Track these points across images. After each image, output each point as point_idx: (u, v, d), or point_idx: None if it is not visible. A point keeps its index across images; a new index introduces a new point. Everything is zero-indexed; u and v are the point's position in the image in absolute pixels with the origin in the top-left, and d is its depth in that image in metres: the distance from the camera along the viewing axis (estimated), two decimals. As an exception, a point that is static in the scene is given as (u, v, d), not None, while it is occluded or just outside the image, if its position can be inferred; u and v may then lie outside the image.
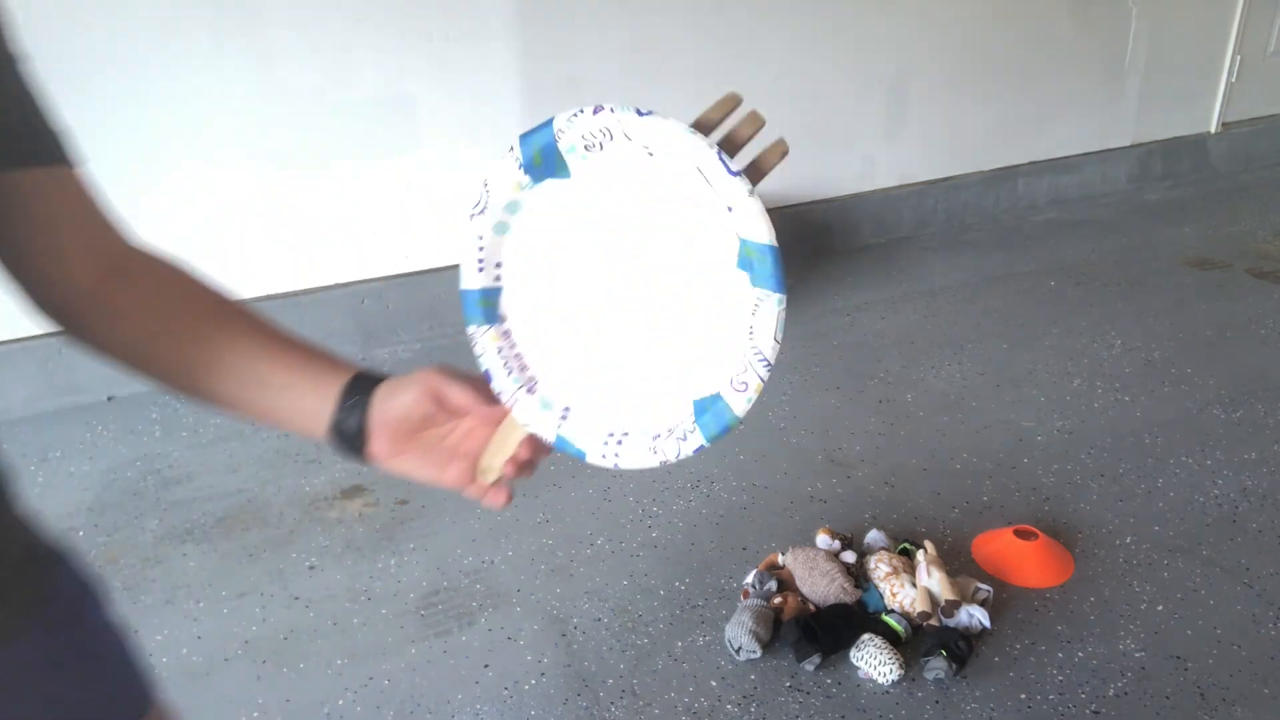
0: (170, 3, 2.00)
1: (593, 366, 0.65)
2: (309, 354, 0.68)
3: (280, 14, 2.09)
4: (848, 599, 1.45)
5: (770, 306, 0.56)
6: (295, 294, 2.33)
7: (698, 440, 0.60)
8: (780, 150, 0.57)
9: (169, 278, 0.66)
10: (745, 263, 0.57)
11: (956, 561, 1.58)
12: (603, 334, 0.64)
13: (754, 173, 0.56)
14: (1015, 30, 2.92)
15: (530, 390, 0.66)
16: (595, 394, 0.65)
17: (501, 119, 2.35)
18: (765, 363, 0.57)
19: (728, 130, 0.57)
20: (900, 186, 2.96)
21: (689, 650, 1.43)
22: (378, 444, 0.66)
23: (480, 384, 0.68)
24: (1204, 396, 2.05)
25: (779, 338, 0.56)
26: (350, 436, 0.66)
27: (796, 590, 1.49)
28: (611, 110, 0.57)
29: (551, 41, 2.33)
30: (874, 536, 1.60)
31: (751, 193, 0.55)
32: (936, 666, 1.34)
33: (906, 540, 1.59)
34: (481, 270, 0.64)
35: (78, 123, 2.25)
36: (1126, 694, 1.32)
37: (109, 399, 2.19)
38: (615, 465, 0.63)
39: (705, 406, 0.61)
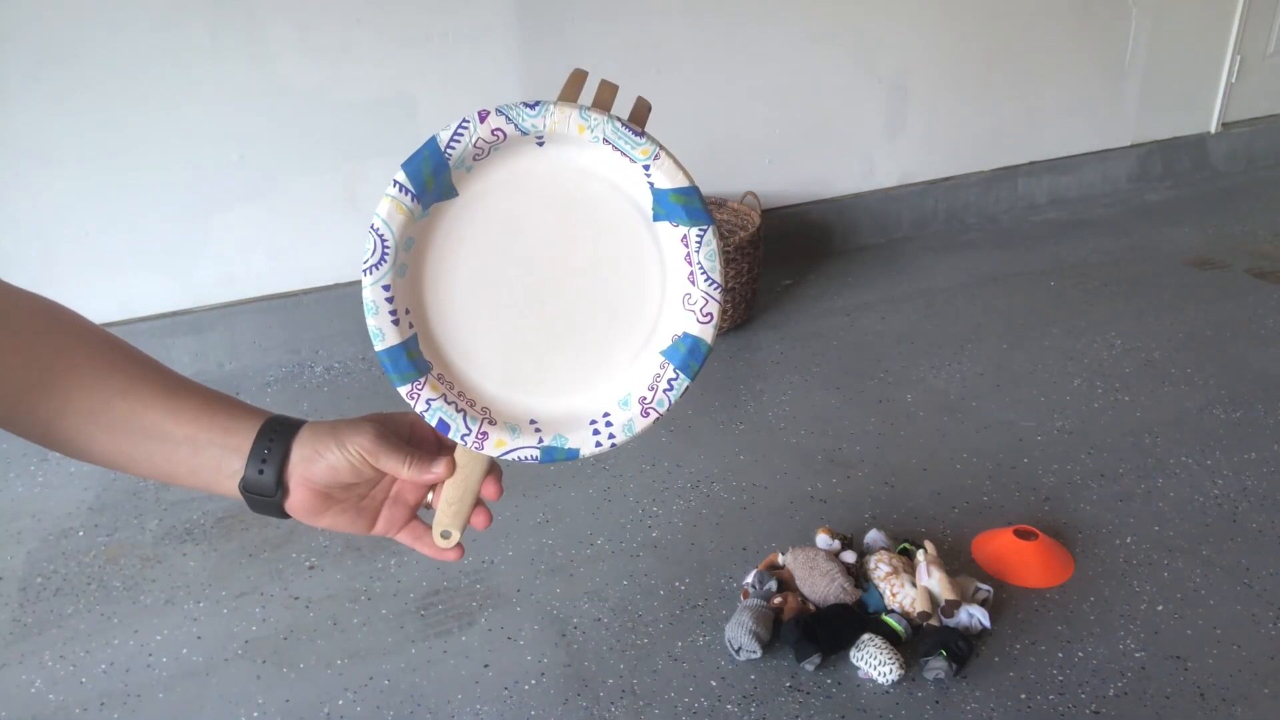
0: (169, 2, 2.01)
1: (541, 368, 0.63)
2: (210, 400, 0.61)
3: (280, 13, 2.09)
4: (848, 599, 1.45)
5: (708, 237, 0.60)
6: (295, 294, 2.33)
7: (684, 382, 0.62)
8: (646, 106, 0.60)
9: (40, 319, 0.58)
10: (666, 211, 0.59)
11: (956, 561, 1.58)
12: (538, 332, 0.62)
13: (644, 115, 0.60)
14: (1015, 30, 2.92)
15: (492, 422, 0.63)
16: (556, 393, 0.63)
17: (501, 119, 2.35)
18: (719, 288, 0.61)
19: (593, 101, 0.59)
20: (900, 186, 2.96)
21: (689, 650, 1.43)
22: (297, 500, 0.60)
23: (419, 445, 0.63)
24: (1204, 396, 2.05)
25: (722, 262, 0.61)
26: (265, 492, 0.59)
27: (796, 590, 1.49)
28: (499, 111, 0.57)
29: (551, 41, 2.33)
30: (874, 536, 1.60)
31: (661, 145, 0.58)
32: (936, 666, 1.34)
33: (906, 540, 1.59)
34: (397, 323, 0.60)
35: (74, 122, 2.25)
36: (1126, 694, 1.32)
37: (109, 399, 2.19)
38: (614, 445, 0.63)
39: (677, 349, 0.62)
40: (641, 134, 0.58)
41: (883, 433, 1.96)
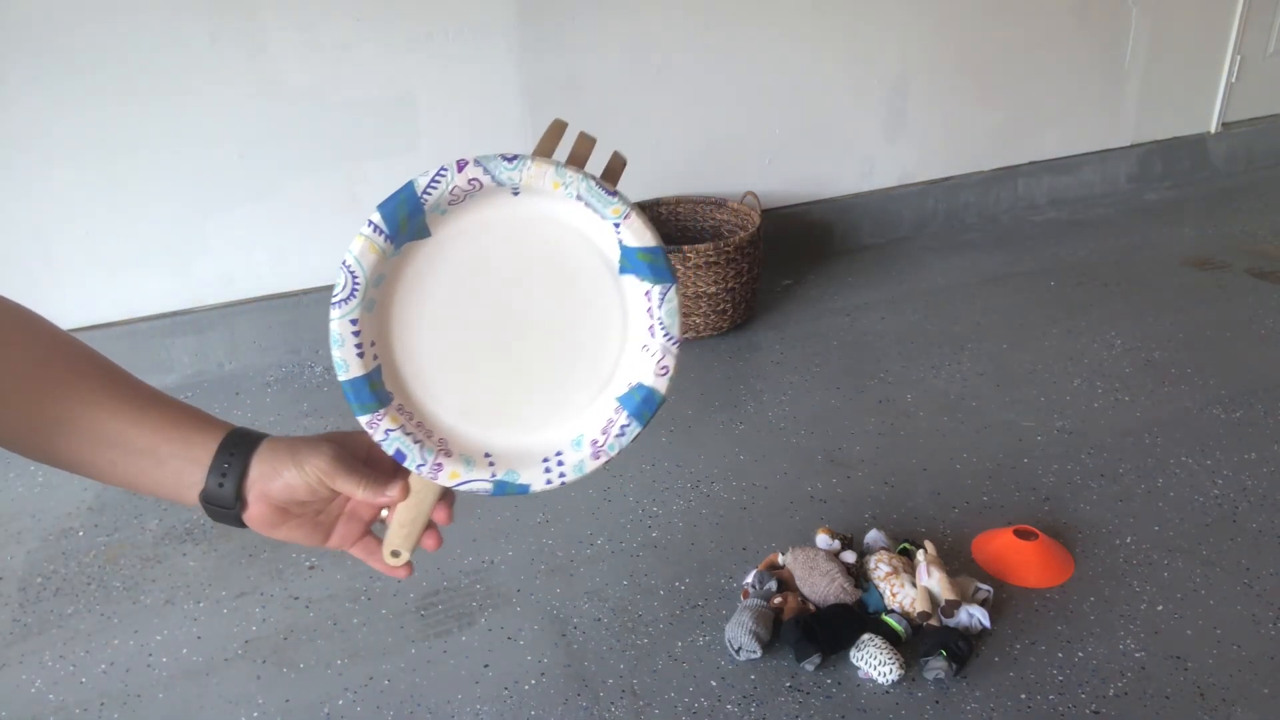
0: (170, 2, 2.01)
1: (500, 404, 0.65)
2: (174, 412, 0.62)
3: (280, 13, 2.09)
4: (848, 599, 1.45)
5: (670, 295, 0.61)
6: (295, 294, 2.33)
7: (635, 428, 0.64)
8: (621, 161, 0.62)
9: (11, 325, 0.59)
10: (632, 266, 0.61)
11: (956, 561, 1.58)
12: (500, 370, 0.64)
13: (610, 184, 0.61)
14: (1015, 30, 2.92)
15: (447, 453, 0.64)
16: (512, 429, 0.65)
17: (501, 119, 2.35)
18: (676, 343, 0.63)
19: (569, 154, 0.60)
20: (900, 186, 2.96)
21: (689, 650, 1.43)
22: (255, 513, 0.62)
23: (376, 465, 0.64)
24: (1204, 396, 2.05)
25: (680, 319, 0.62)
26: (224, 504, 0.61)
27: (796, 590, 1.49)
28: (477, 163, 0.58)
29: (551, 41, 2.33)
30: (874, 536, 1.60)
31: (631, 205, 0.60)
32: (936, 666, 1.34)
33: (906, 540, 1.59)
34: (361, 355, 0.62)
35: (74, 122, 2.25)
36: (1126, 694, 1.32)
37: (109, 399, 2.19)
38: (563, 483, 0.65)
39: (632, 397, 0.64)
40: (614, 193, 0.59)
41: (883, 433, 1.96)
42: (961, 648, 1.36)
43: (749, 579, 1.51)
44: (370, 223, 0.60)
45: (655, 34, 2.45)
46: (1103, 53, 3.10)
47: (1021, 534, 1.57)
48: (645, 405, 0.64)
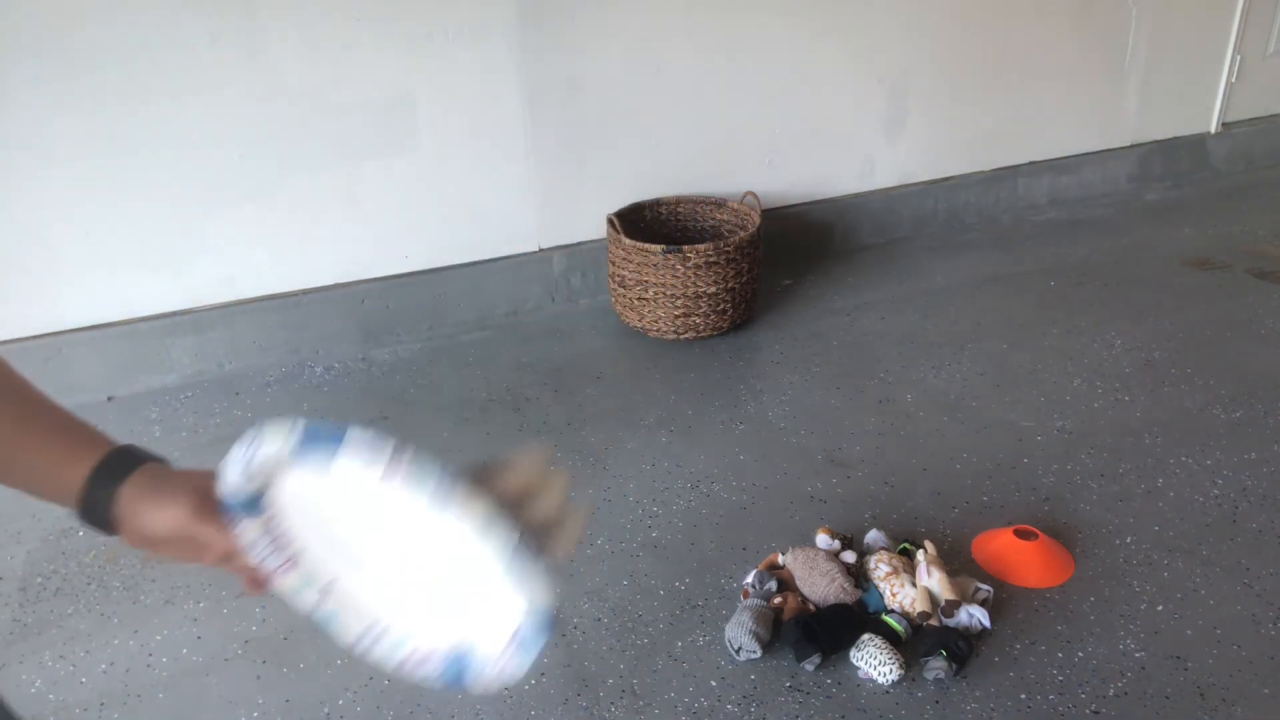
0: (170, 2, 2.01)
1: (360, 564, 0.64)
2: (56, 430, 0.64)
3: (280, 13, 2.09)
4: (848, 599, 1.45)
5: (538, 645, 0.59)
6: (295, 294, 2.33)
7: (444, 680, 0.63)
8: (577, 525, 0.60)
9: None
10: (517, 622, 0.59)
11: (956, 561, 1.58)
12: (378, 550, 0.63)
13: (562, 543, 0.59)
14: (1015, 30, 2.92)
15: (295, 565, 0.65)
16: (360, 588, 0.65)
17: (501, 119, 2.35)
18: (522, 671, 0.60)
19: (519, 494, 0.58)
20: (900, 186, 2.96)
21: (689, 650, 1.43)
22: (128, 538, 0.63)
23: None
24: (1204, 396, 2.05)
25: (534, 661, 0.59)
26: (100, 527, 0.63)
27: (796, 590, 1.49)
28: (411, 466, 0.54)
29: (551, 41, 2.33)
30: (874, 536, 1.60)
31: (543, 573, 0.57)
32: (936, 666, 1.34)
33: (906, 540, 1.59)
34: (250, 481, 0.61)
35: (74, 122, 2.25)
36: (1126, 694, 1.32)
37: (109, 399, 2.19)
38: (361, 654, 0.65)
39: (459, 661, 0.63)
40: (533, 561, 0.57)
41: (883, 433, 1.96)
42: (961, 648, 1.36)
43: (749, 579, 1.51)
44: (290, 433, 0.57)
45: (655, 34, 2.45)
46: (1103, 53, 3.10)
47: (1021, 534, 1.57)
48: (463, 674, 0.63)
